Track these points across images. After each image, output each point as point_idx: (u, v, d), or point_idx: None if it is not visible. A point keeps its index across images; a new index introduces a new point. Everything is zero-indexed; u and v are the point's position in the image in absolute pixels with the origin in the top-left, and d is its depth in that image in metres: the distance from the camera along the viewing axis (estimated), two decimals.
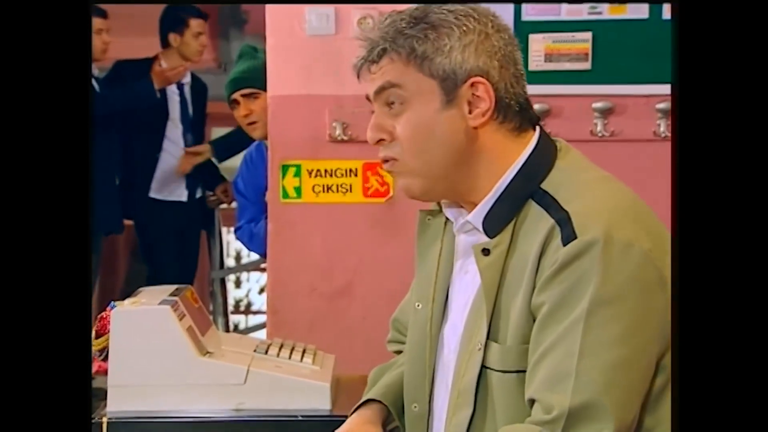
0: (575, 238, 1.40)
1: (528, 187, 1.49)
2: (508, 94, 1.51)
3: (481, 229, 1.52)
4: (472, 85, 1.48)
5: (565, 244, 1.40)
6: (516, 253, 1.48)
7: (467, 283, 1.56)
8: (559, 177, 1.50)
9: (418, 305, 1.62)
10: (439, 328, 1.60)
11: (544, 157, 1.52)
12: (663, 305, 1.39)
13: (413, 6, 1.52)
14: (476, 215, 1.52)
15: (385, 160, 1.54)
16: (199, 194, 4.78)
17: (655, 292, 1.40)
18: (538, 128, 1.56)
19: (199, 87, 4.78)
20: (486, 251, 1.49)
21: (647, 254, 1.39)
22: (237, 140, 4.42)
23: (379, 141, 1.53)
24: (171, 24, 4.65)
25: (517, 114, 1.52)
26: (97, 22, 4.37)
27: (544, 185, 1.49)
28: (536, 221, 1.46)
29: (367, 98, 1.55)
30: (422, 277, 1.64)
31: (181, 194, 4.70)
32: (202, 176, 4.77)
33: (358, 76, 1.55)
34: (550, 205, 1.46)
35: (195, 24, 4.65)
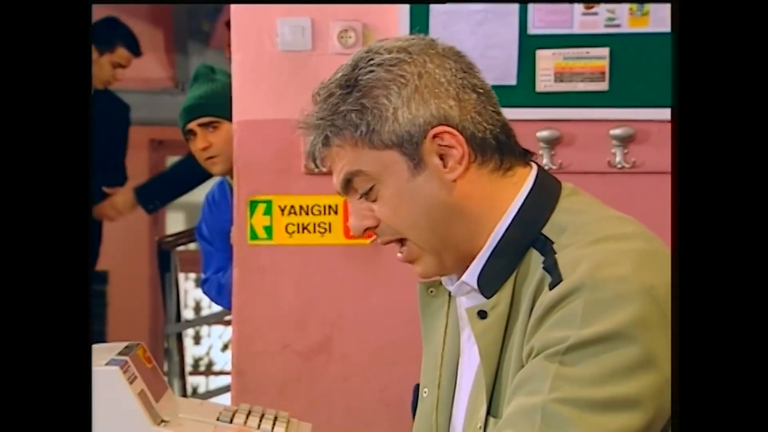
0: (561, 281, 1.41)
1: (528, 235, 1.49)
2: (479, 127, 1.50)
3: (477, 288, 1.52)
4: (435, 137, 1.48)
5: (551, 290, 1.41)
6: (518, 313, 1.47)
7: (475, 356, 1.54)
8: (562, 219, 1.49)
9: (425, 392, 1.62)
10: (447, 417, 1.60)
11: (544, 199, 1.51)
12: (665, 347, 1.35)
13: (341, 69, 1.52)
14: (471, 273, 1.52)
15: (387, 243, 1.55)
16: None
17: (654, 332, 1.36)
18: (534, 166, 1.55)
19: (114, 108, 4.71)
20: (483, 313, 1.48)
21: (648, 292, 1.38)
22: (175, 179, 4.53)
23: (367, 230, 1.55)
24: (100, 38, 4.59)
25: (496, 149, 1.51)
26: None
27: (546, 230, 1.49)
28: (534, 273, 1.46)
29: (337, 192, 1.56)
30: (428, 359, 1.64)
31: None
32: None
33: (315, 164, 1.56)
34: (548, 252, 1.46)
35: (120, 54, 4.66)
